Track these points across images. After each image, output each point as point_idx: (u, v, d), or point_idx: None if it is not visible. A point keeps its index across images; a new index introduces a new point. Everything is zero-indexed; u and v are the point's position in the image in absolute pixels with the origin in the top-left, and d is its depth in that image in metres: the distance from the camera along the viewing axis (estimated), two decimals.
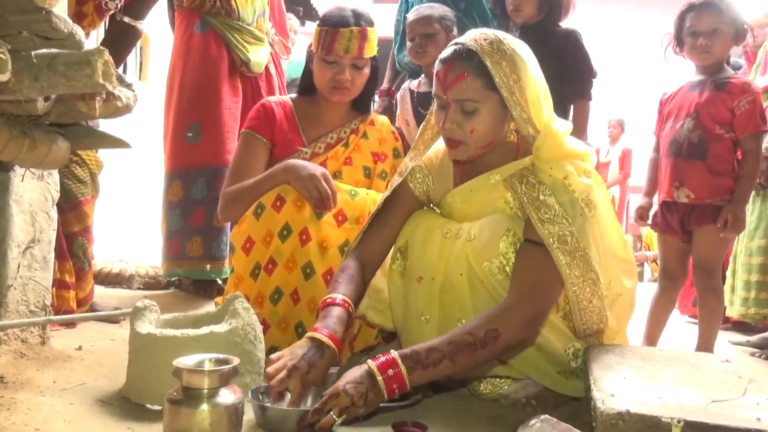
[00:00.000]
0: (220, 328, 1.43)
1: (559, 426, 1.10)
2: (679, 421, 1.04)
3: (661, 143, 2.23)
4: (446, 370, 1.30)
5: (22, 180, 1.66)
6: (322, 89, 1.97)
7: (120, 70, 1.97)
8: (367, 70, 1.97)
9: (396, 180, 1.65)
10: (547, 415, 1.15)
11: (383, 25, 2.33)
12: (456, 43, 1.47)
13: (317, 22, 1.97)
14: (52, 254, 1.80)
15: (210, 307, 2.37)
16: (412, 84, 2.61)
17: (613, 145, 7.29)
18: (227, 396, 1.13)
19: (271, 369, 1.30)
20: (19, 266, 1.67)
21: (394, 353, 1.29)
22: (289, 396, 1.30)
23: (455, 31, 2.38)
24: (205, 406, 1.10)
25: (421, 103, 2.50)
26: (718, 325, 2.19)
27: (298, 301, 1.75)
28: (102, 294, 2.61)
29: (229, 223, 2.54)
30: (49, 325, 1.79)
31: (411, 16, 2.46)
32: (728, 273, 2.72)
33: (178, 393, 1.13)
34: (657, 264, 4.37)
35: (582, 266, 1.38)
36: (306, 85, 2.04)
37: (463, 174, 1.60)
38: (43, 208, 1.75)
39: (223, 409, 1.11)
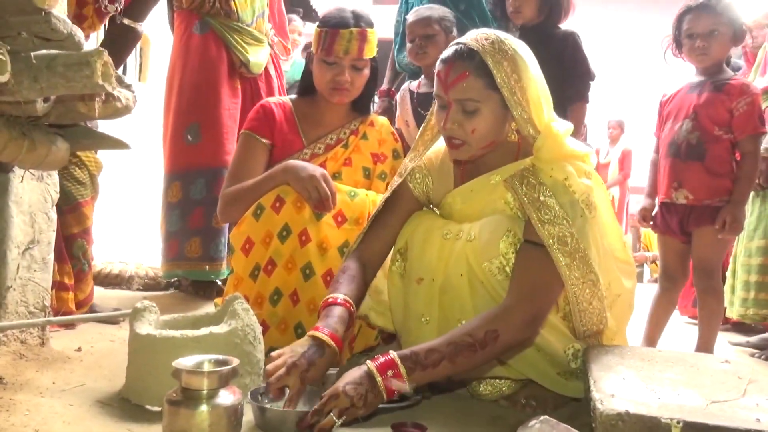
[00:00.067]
0: (220, 329, 1.43)
1: (559, 427, 1.10)
2: (678, 422, 1.04)
3: (661, 144, 2.23)
4: (445, 371, 1.30)
5: (22, 181, 1.66)
6: (321, 90, 1.97)
7: (120, 71, 1.98)
8: (366, 71, 1.97)
9: (396, 181, 1.65)
10: (546, 416, 1.15)
11: (383, 26, 2.33)
12: (457, 43, 1.47)
13: (317, 23, 1.97)
14: (52, 255, 1.80)
15: (209, 308, 2.37)
16: (412, 85, 2.61)
17: (613, 145, 7.30)
18: (226, 397, 1.13)
19: (270, 366, 1.30)
20: (18, 267, 1.67)
21: (393, 354, 1.29)
22: (287, 393, 1.29)
23: (455, 32, 2.39)
24: (204, 407, 1.10)
25: (420, 103, 2.50)
26: (718, 325, 2.19)
27: (297, 302, 1.74)
28: (101, 295, 2.61)
29: (228, 224, 2.55)
30: (49, 326, 1.79)
31: (410, 17, 2.46)
32: (728, 274, 2.72)
33: (178, 394, 1.13)
34: (656, 265, 4.37)
35: (582, 267, 1.38)
36: (306, 86, 2.04)
37: (463, 174, 1.60)
38: (42, 209, 1.75)
39: (222, 410, 1.11)
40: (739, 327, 3.01)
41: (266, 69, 2.83)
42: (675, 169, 2.14)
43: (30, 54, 1.24)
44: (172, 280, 2.93)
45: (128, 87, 1.57)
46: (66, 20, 1.21)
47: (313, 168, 1.76)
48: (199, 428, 1.09)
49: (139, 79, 5.28)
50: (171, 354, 1.28)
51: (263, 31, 2.81)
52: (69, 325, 2.04)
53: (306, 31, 4.47)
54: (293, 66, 4.14)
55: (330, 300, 1.45)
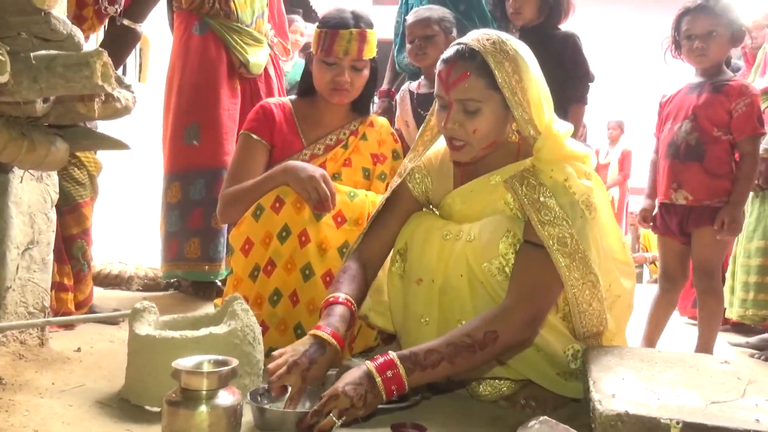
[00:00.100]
0: (219, 329, 1.43)
1: (558, 427, 1.11)
2: (678, 423, 1.04)
3: (660, 145, 2.23)
4: (445, 371, 1.30)
5: (21, 181, 1.66)
6: (321, 91, 1.97)
7: (119, 71, 1.98)
8: (366, 72, 1.97)
9: (395, 181, 1.65)
10: (546, 417, 1.15)
11: (383, 26, 2.33)
12: (458, 43, 1.47)
13: (317, 23, 1.97)
14: (51, 256, 1.79)
15: (209, 309, 2.37)
16: (412, 85, 2.61)
17: (613, 146, 7.30)
18: (226, 397, 1.13)
19: (272, 365, 1.30)
20: (17, 268, 1.67)
21: (392, 354, 1.29)
22: (289, 390, 1.29)
23: (454, 32, 2.39)
24: (203, 408, 1.10)
25: (420, 104, 2.51)
26: (717, 326, 2.19)
27: (297, 303, 1.74)
28: (101, 295, 2.61)
29: (227, 225, 2.55)
30: (48, 327, 1.79)
31: (410, 18, 2.46)
32: (727, 274, 2.72)
33: (177, 394, 1.13)
34: (656, 265, 4.38)
35: (582, 268, 1.38)
36: (305, 87, 2.04)
37: (463, 175, 1.60)
38: (42, 209, 1.75)
39: (221, 410, 1.11)
40: (739, 328, 3.01)
41: (266, 69, 2.83)
42: (674, 169, 2.14)
43: (29, 54, 1.24)
44: (172, 280, 2.93)
45: (128, 87, 1.57)
46: (66, 21, 1.21)
47: (313, 169, 1.76)
48: (198, 429, 1.09)
49: (139, 80, 5.28)
50: (170, 354, 1.28)
51: (263, 31, 2.81)
52: (68, 326, 2.04)
53: (308, 32, 4.47)
54: (294, 66, 4.13)
55: (331, 299, 1.45)
